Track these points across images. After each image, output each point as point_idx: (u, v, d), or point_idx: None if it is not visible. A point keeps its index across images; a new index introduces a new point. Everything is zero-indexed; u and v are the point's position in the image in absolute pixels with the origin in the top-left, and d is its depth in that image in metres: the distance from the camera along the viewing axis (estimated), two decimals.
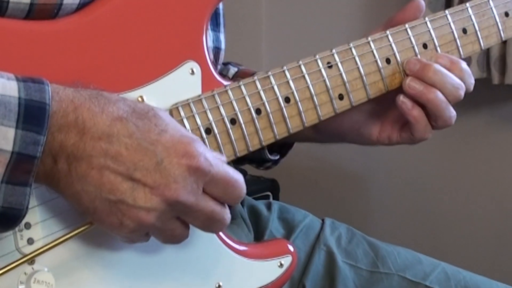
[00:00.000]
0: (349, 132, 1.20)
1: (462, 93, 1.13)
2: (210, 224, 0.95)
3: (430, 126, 1.14)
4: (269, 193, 2.54)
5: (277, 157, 1.31)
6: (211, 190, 0.93)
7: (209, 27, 1.08)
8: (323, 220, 1.35)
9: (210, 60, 1.06)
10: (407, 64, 1.13)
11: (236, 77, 1.29)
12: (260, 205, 1.36)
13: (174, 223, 0.93)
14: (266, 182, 2.56)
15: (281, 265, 1.09)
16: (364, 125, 1.19)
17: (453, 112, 1.13)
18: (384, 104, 1.18)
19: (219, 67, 1.25)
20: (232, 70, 1.31)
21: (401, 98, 1.13)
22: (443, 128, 1.14)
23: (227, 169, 0.94)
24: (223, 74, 1.29)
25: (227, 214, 0.95)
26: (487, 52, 2.56)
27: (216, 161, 0.93)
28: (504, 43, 2.49)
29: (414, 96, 1.11)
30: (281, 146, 1.31)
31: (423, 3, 1.18)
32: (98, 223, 0.92)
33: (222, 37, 1.22)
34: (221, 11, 1.21)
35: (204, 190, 0.93)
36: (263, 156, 1.28)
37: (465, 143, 2.78)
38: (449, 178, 2.85)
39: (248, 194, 1.36)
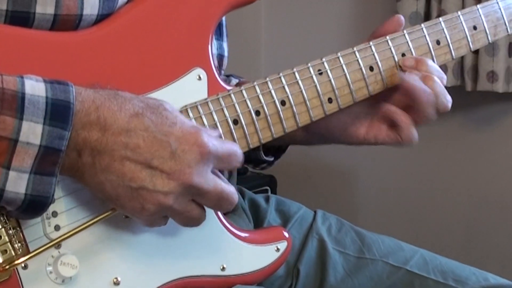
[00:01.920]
0: (337, 132, 1.20)
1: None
2: (221, 204, 0.96)
3: (414, 128, 1.13)
4: (267, 187, 2.53)
5: (272, 159, 1.32)
6: (218, 165, 0.95)
7: (213, 36, 1.08)
8: (315, 212, 1.35)
9: (215, 66, 1.06)
10: (403, 62, 1.13)
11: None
12: (259, 198, 1.37)
13: (190, 205, 0.94)
14: (264, 177, 2.54)
15: (278, 249, 1.09)
16: (351, 125, 1.19)
17: (449, 97, 1.14)
18: (370, 105, 1.18)
19: (222, 72, 1.25)
20: (234, 81, 1.31)
21: (388, 105, 1.15)
22: (425, 123, 1.13)
23: (228, 145, 0.96)
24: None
25: (234, 194, 0.96)
26: (461, 62, 2.55)
27: (219, 142, 0.94)
28: (476, 53, 2.48)
29: (408, 89, 1.11)
30: (277, 150, 1.32)
31: (402, 18, 1.19)
32: (121, 209, 0.93)
33: (225, 45, 1.22)
34: (223, 22, 1.21)
35: (213, 172, 0.94)
36: (260, 158, 1.29)
37: (442, 143, 2.77)
38: (427, 175, 2.84)
39: (248, 188, 1.38)
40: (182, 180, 0.90)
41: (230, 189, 0.96)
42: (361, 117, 1.19)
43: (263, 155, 1.28)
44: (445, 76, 1.16)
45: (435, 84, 1.12)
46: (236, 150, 0.97)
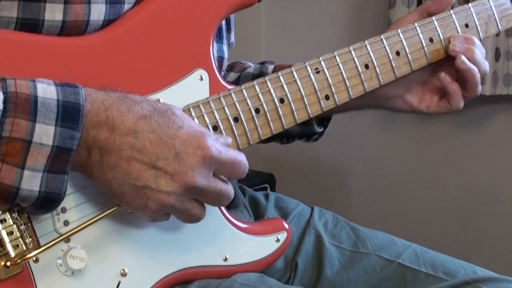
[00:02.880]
0: (394, 98, 1.25)
1: (488, 71, 1.22)
2: (219, 200, 0.96)
3: (463, 97, 1.20)
4: (267, 185, 2.52)
5: (322, 129, 1.35)
6: (220, 172, 0.94)
7: (214, 39, 1.08)
8: (312, 208, 1.34)
9: (216, 67, 1.06)
10: (453, 47, 1.18)
11: (275, 71, 1.27)
12: (259, 195, 1.36)
13: (191, 204, 0.94)
14: (264, 176, 2.54)
15: (278, 240, 1.09)
16: (408, 94, 1.24)
17: (481, 86, 1.20)
18: (425, 77, 1.23)
19: (223, 73, 1.25)
20: (270, 67, 1.33)
21: (443, 74, 1.19)
22: (472, 98, 1.21)
23: (232, 152, 0.95)
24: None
25: (231, 190, 0.97)
26: None
27: (224, 148, 0.94)
28: None
29: (463, 71, 1.17)
30: (321, 120, 1.34)
31: None
32: (126, 206, 0.93)
33: (225, 48, 1.21)
34: (223, 27, 1.21)
35: (214, 173, 0.94)
36: (314, 131, 1.32)
37: (433, 143, 2.77)
38: (419, 173, 2.84)
39: (248, 186, 1.38)
40: (184, 181, 0.90)
41: (228, 187, 0.96)
42: (415, 87, 1.24)
43: (317, 128, 1.32)
44: (484, 52, 1.21)
45: (476, 55, 1.17)
46: (240, 159, 0.96)
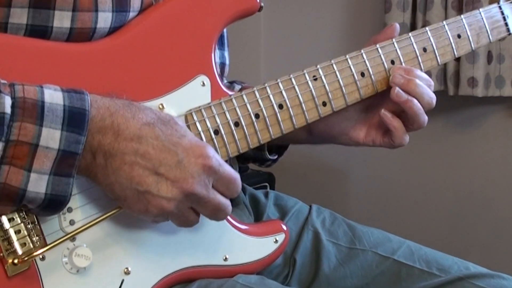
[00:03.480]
0: (338, 136, 1.20)
1: (434, 102, 1.14)
2: (216, 214, 0.96)
3: (406, 134, 1.15)
4: (266, 184, 2.51)
5: (276, 157, 1.32)
6: (217, 186, 0.94)
7: (216, 46, 1.08)
8: (310, 206, 1.34)
9: (218, 74, 1.06)
10: (393, 79, 1.12)
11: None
12: (259, 194, 1.36)
13: (188, 211, 0.94)
14: (264, 175, 2.53)
15: (276, 241, 1.09)
16: (353, 130, 1.19)
17: (426, 117, 1.14)
18: (369, 113, 1.19)
19: (224, 79, 1.25)
20: (237, 87, 1.31)
21: (383, 111, 1.14)
22: (417, 129, 1.15)
23: (230, 169, 0.95)
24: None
25: (229, 206, 0.96)
26: (444, 69, 2.54)
27: (223, 162, 0.94)
28: (458, 61, 2.47)
29: (399, 103, 1.11)
30: (279, 148, 1.31)
31: (398, 26, 1.19)
32: (127, 209, 0.93)
33: (226, 54, 1.21)
34: (225, 34, 1.21)
35: (213, 186, 0.93)
36: (265, 157, 1.29)
37: (427, 143, 2.76)
38: (413, 172, 2.83)
39: (249, 185, 1.37)
40: (184, 188, 0.90)
41: (226, 202, 0.96)
42: (360, 122, 1.19)
43: (268, 155, 1.29)
44: (432, 83, 1.16)
45: (417, 87, 1.12)
46: (237, 177, 0.96)
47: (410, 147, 2.92)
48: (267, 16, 3.01)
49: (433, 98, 1.14)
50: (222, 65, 1.20)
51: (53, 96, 0.86)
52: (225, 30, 1.18)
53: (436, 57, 1.19)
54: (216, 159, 0.92)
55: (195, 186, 0.90)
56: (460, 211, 2.74)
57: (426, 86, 1.13)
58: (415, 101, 1.12)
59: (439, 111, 2.70)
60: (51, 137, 0.84)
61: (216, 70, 1.05)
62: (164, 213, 0.91)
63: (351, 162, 2.93)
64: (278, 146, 1.31)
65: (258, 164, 1.35)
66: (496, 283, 1.15)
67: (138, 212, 0.92)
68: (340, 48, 2.82)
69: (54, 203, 0.87)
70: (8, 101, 0.83)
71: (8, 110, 0.83)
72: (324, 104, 1.11)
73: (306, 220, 1.30)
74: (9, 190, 0.84)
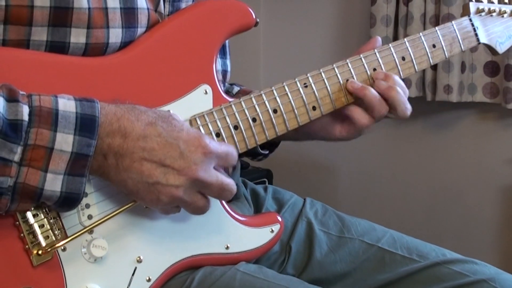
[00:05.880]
0: (319, 132, 1.19)
1: (408, 113, 1.12)
2: (222, 193, 0.95)
3: (369, 120, 1.12)
4: (265, 179, 2.52)
5: (267, 152, 1.31)
6: (219, 163, 0.94)
7: (218, 55, 1.08)
8: (304, 199, 1.33)
9: (219, 82, 1.05)
10: (376, 84, 1.11)
11: (238, 94, 1.29)
12: (259, 188, 1.35)
13: (197, 196, 0.93)
14: (263, 171, 2.53)
15: (272, 231, 1.08)
16: (330, 127, 1.18)
17: (386, 106, 1.11)
18: (342, 113, 1.16)
19: (226, 85, 1.25)
20: (236, 88, 1.31)
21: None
22: (379, 117, 1.12)
23: (224, 146, 0.95)
24: (228, 91, 1.29)
25: (234, 185, 0.95)
26: (422, 77, 2.53)
27: (218, 144, 0.94)
28: (435, 70, 2.47)
29: (354, 92, 1.10)
30: (271, 145, 1.31)
31: (380, 38, 1.18)
32: (140, 201, 0.92)
33: (228, 62, 1.21)
34: (227, 44, 1.20)
35: (214, 168, 0.93)
36: (257, 152, 1.28)
37: (407, 144, 2.77)
38: (395, 168, 2.83)
39: (249, 180, 1.36)
40: (189, 175, 0.90)
41: (230, 181, 0.95)
42: (336, 120, 1.18)
43: (260, 149, 1.28)
44: (407, 91, 1.14)
45: (397, 94, 1.11)
46: (232, 150, 0.96)
47: (392, 147, 2.92)
48: (265, 30, 3.03)
49: (409, 109, 1.12)
50: (224, 72, 1.19)
51: (67, 105, 0.86)
52: (227, 41, 1.17)
53: (414, 65, 1.17)
54: (213, 144, 0.92)
55: (198, 172, 0.90)
56: (436, 203, 2.74)
57: (401, 91, 1.12)
58: (370, 88, 1.10)
59: (418, 115, 2.71)
60: (65, 141, 0.84)
61: (217, 79, 1.05)
62: (174, 200, 0.91)
63: (340, 160, 2.94)
64: (269, 143, 1.29)
65: (251, 158, 1.34)
66: (469, 267, 1.15)
67: (151, 202, 0.91)
68: (330, 58, 2.82)
69: (69, 200, 0.86)
70: (26, 109, 0.83)
71: (26, 117, 0.83)
72: (314, 108, 1.10)
73: (300, 212, 1.29)
74: (28, 189, 0.84)
